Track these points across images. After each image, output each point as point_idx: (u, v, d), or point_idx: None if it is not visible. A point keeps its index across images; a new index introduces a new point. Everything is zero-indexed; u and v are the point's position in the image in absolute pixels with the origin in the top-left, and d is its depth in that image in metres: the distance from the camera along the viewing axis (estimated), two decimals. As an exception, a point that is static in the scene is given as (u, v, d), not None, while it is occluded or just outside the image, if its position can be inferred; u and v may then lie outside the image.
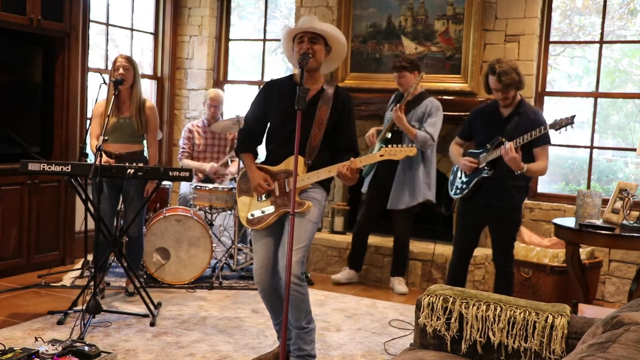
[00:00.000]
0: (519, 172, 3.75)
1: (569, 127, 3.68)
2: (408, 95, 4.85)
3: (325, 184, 3.29)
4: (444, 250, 5.08)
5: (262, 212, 3.25)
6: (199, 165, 5.52)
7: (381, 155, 3.16)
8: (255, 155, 3.42)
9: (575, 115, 3.68)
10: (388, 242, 5.26)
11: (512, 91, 3.84)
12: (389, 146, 3.17)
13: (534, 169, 3.82)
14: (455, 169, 4.22)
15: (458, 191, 4.08)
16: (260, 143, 3.45)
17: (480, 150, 3.98)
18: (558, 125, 3.69)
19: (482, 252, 5.03)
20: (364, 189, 5.13)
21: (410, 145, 3.22)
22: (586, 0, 5.61)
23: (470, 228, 4.12)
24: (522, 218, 5.23)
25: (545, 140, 3.82)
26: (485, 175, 3.90)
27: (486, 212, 3.99)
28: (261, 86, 3.41)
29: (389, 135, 4.85)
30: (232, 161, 5.65)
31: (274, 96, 3.27)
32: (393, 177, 4.92)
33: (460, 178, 4.10)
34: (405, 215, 4.99)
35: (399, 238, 5.06)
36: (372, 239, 5.37)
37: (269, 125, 3.34)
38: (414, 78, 4.86)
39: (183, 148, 5.61)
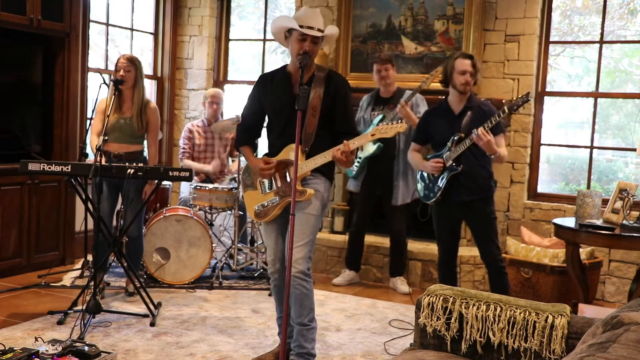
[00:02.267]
0: (492, 155, 3.83)
1: (525, 104, 3.76)
2: (385, 93, 4.95)
3: (327, 173, 3.28)
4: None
5: (267, 204, 3.28)
6: (201, 167, 5.52)
7: (372, 135, 3.16)
8: (254, 148, 3.43)
9: (529, 93, 3.78)
10: (387, 241, 5.25)
11: (474, 81, 3.93)
12: (379, 124, 3.18)
13: (502, 154, 3.91)
14: (419, 175, 4.21)
15: (432, 195, 4.06)
16: (258, 136, 3.47)
17: (442, 151, 4.00)
18: (515, 105, 3.77)
19: (482, 252, 5.02)
20: (356, 189, 5.12)
21: (399, 121, 3.22)
22: (586, 0, 5.61)
23: (449, 227, 4.13)
24: (522, 218, 5.25)
25: (501, 129, 3.94)
26: (456, 172, 3.92)
27: (461, 208, 4.01)
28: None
29: None
30: (233, 161, 5.65)
31: (268, 89, 3.28)
32: (386, 174, 4.92)
33: (429, 183, 4.09)
34: (404, 211, 5.01)
35: (397, 236, 5.06)
36: (371, 239, 5.38)
37: (267, 118, 3.36)
38: (395, 74, 4.94)
39: (183, 148, 5.60)
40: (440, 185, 3.98)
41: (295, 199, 2.95)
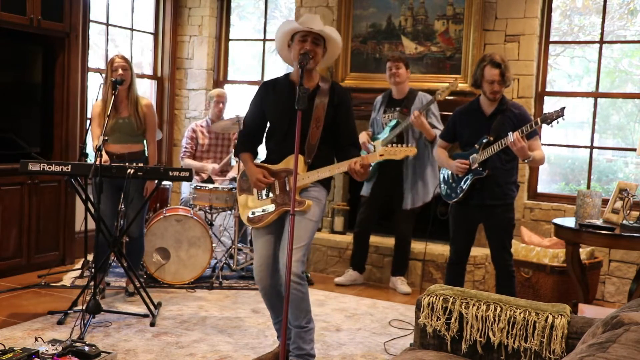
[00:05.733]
0: (526, 160, 3.80)
1: (560, 119, 3.71)
2: (397, 94, 4.94)
3: (326, 183, 3.29)
4: (444, 250, 5.08)
5: (263, 210, 3.26)
6: (201, 165, 5.51)
7: (381, 155, 3.16)
8: (255, 155, 3.42)
9: (564, 107, 3.73)
10: (388, 242, 5.26)
11: (504, 87, 3.90)
12: (388, 146, 3.18)
13: (537, 158, 3.88)
14: (443, 173, 4.21)
15: (454, 195, 4.06)
16: (260, 143, 3.45)
17: (469, 152, 4.00)
18: (549, 118, 3.73)
19: (482, 252, 5.02)
20: (365, 192, 5.12)
21: (411, 145, 3.22)
22: (586, 0, 5.61)
23: (466, 229, 4.13)
24: (522, 218, 5.25)
25: (536, 132, 3.91)
26: (480, 175, 3.91)
27: (481, 211, 4.01)
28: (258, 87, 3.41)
29: (394, 140, 4.82)
30: (236, 162, 5.64)
31: (271, 96, 3.28)
32: (397, 179, 4.93)
33: (452, 182, 4.09)
34: (411, 214, 5.01)
35: (403, 237, 5.06)
36: (372, 239, 5.37)
37: (268, 124, 3.35)
38: (407, 74, 4.89)
39: (185, 148, 5.59)
40: (463, 187, 3.98)
41: (295, 208, 2.94)
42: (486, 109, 3.98)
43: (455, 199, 4.04)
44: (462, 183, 4.00)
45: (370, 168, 4.91)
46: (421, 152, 4.88)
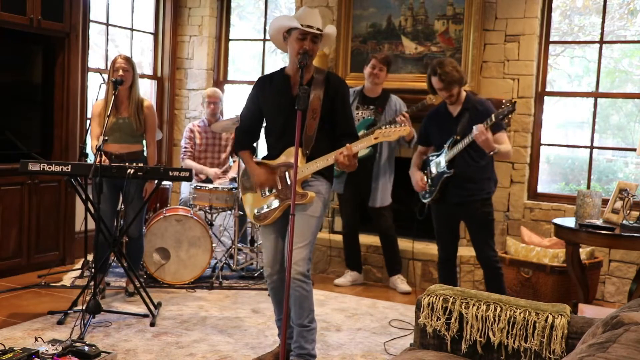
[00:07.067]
0: (491, 152, 3.82)
1: (512, 114, 3.76)
2: (371, 93, 4.96)
3: (327, 175, 3.28)
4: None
5: (268, 206, 3.27)
6: (201, 168, 5.52)
7: (375, 138, 3.14)
8: (253, 151, 3.42)
9: (515, 102, 3.77)
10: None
11: (455, 88, 3.95)
12: (382, 128, 3.16)
13: (503, 151, 3.90)
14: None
15: (427, 195, 4.13)
16: (257, 139, 3.47)
17: (439, 153, 4.05)
18: (501, 114, 3.77)
19: (482, 252, 5.02)
20: (338, 190, 5.10)
21: (402, 125, 3.19)
22: (586, 0, 5.61)
23: (448, 227, 4.18)
24: (522, 218, 5.25)
25: (502, 126, 3.93)
26: (448, 175, 3.96)
27: (458, 208, 4.06)
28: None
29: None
30: (234, 161, 5.65)
31: (267, 91, 3.28)
32: (366, 176, 4.93)
33: (427, 183, 4.16)
34: (389, 209, 5.02)
35: (386, 233, 5.05)
36: (370, 239, 5.38)
37: (265, 120, 3.35)
38: (385, 77, 4.94)
39: (185, 148, 5.60)
40: (436, 187, 4.04)
41: (296, 201, 2.94)
42: (452, 110, 4.05)
43: (430, 198, 4.10)
44: (434, 183, 4.07)
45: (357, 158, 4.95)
46: (392, 152, 4.95)
